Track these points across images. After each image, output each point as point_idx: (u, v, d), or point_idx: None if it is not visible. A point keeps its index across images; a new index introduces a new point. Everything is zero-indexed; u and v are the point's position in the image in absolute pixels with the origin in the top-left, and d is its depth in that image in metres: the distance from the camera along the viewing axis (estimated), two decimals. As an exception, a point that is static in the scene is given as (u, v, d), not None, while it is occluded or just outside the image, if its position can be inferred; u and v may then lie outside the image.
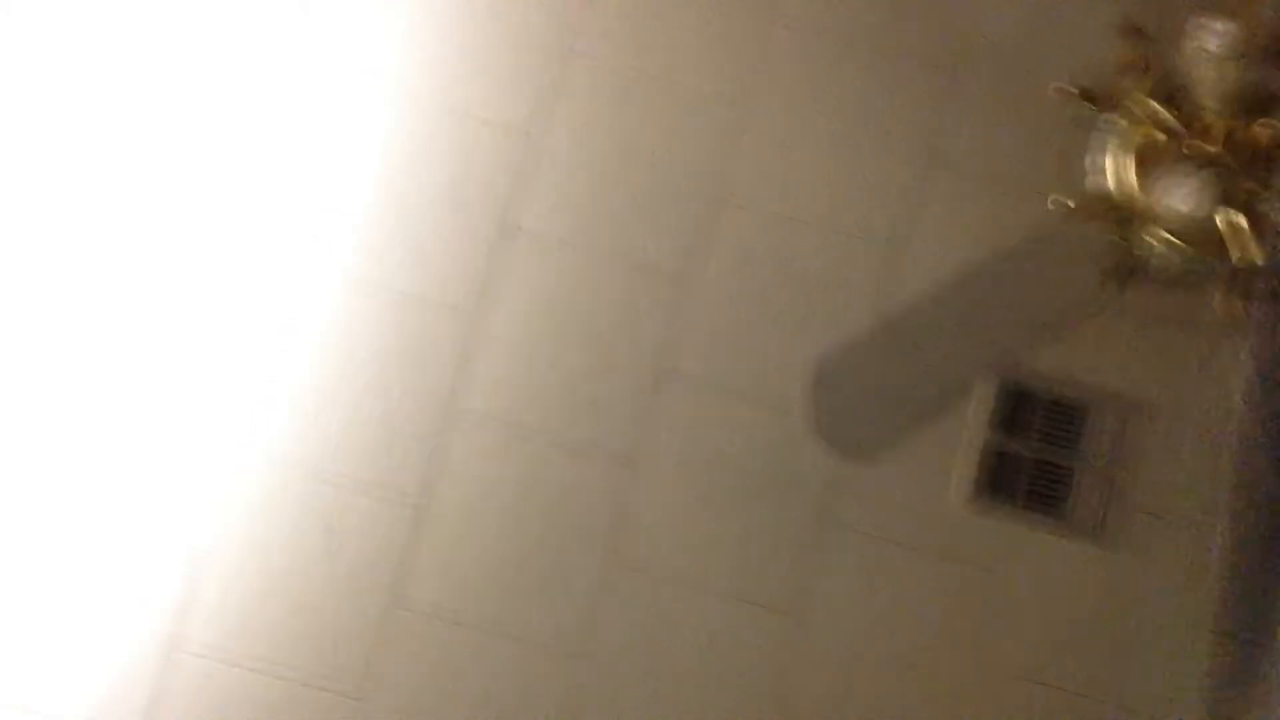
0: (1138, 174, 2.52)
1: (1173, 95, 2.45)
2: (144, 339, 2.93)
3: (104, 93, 2.97)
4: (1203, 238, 2.51)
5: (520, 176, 2.99)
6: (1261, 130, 2.36)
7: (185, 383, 2.92)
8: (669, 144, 3.00)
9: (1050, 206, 2.85)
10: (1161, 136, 2.50)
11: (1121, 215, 2.43)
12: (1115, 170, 2.57)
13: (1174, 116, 2.43)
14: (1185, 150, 2.43)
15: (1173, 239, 2.50)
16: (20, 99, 2.96)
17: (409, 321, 2.94)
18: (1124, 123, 2.56)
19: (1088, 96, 2.40)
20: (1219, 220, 2.33)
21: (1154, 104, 2.42)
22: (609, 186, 2.99)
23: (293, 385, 2.93)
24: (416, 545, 2.90)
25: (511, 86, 3.00)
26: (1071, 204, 2.84)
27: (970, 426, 2.97)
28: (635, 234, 2.98)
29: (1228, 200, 2.27)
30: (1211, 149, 2.38)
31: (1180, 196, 2.27)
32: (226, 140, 2.97)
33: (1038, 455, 2.97)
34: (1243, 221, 2.37)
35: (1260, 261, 2.36)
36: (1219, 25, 2.18)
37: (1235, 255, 2.37)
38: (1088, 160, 2.67)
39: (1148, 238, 2.43)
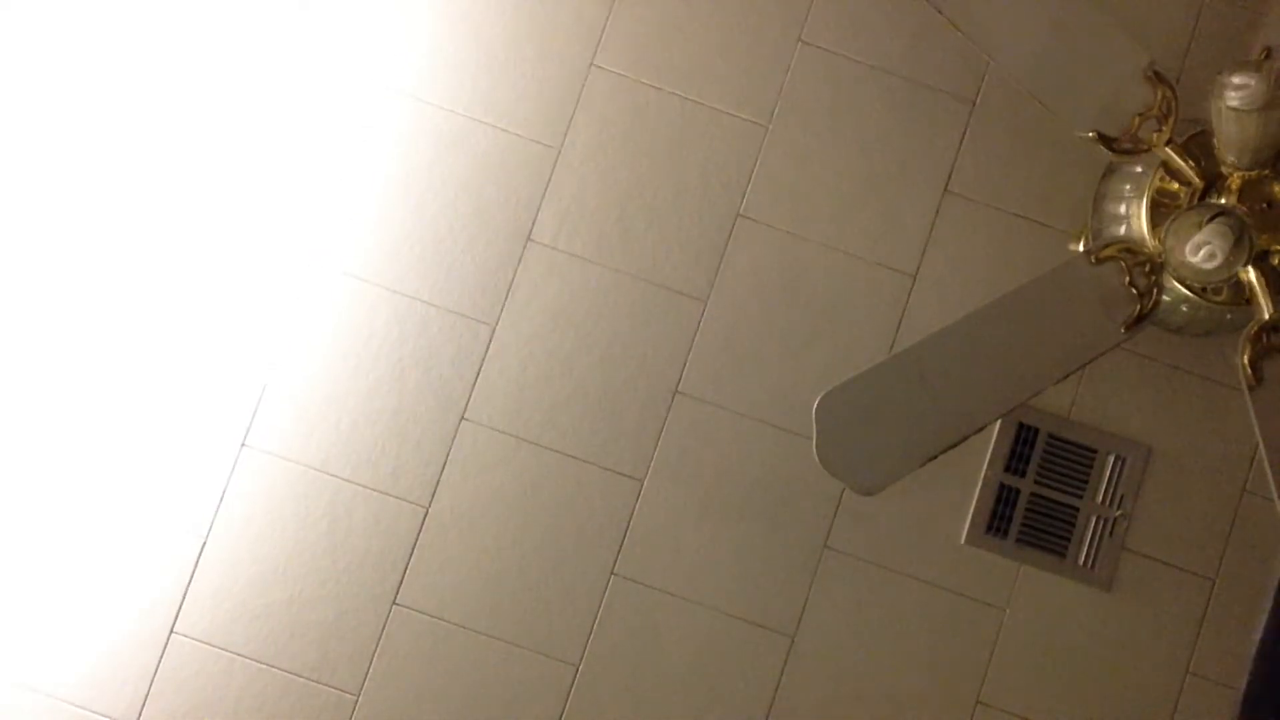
0: (1151, 221, 2.50)
1: (1191, 145, 2.43)
2: (157, 334, 2.95)
3: (136, 94, 3.00)
4: (1213, 289, 2.49)
5: (537, 187, 2.99)
6: (1278, 186, 2.33)
7: (193, 375, 2.95)
8: (687, 160, 3.00)
9: (1071, 248, 2.83)
10: (1177, 185, 2.48)
11: (1134, 260, 2.41)
12: (1129, 216, 2.55)
13: (1191, 167, 2.41)
14: (1200, 201, 2.41)
15: (1183, 288, 2.48)
16: (20, 98, 2.98)
17: (421, 325, 2.96)
18: (1140, 169, 2.54)
19: (1106, 141, 2.38)
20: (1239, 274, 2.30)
21: (1171, 153, 2.40)
22: (625, 200, 2.99)
23: (303, 381, 2.95)
24: (418, 545, 2.92)
25: (532, 97, 3.00)
26: (1084, 246, 2.83)
27: (976, 461, 2.96)
28: (650, 249, 2.98)
29: (1240, 254, 2.24)
30: (1227, 202, 2.36)
31: (1192, 247, 2.24)
32: (243, 138, 2.99)
33: (1042, 493, 2.96)
34: (1254, 276, 2.35)
35: (1269, 316, 2.34)
36: (1241, 79, 2.15)
37: (1266, 309, 2.35)
38: (1103, 204, 2.65)
39: (1159, 284, 2.41)
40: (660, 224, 2.99)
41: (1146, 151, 2.40)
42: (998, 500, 2.96)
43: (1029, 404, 2.90)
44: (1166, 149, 2.39)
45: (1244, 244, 2.24)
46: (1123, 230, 2.56)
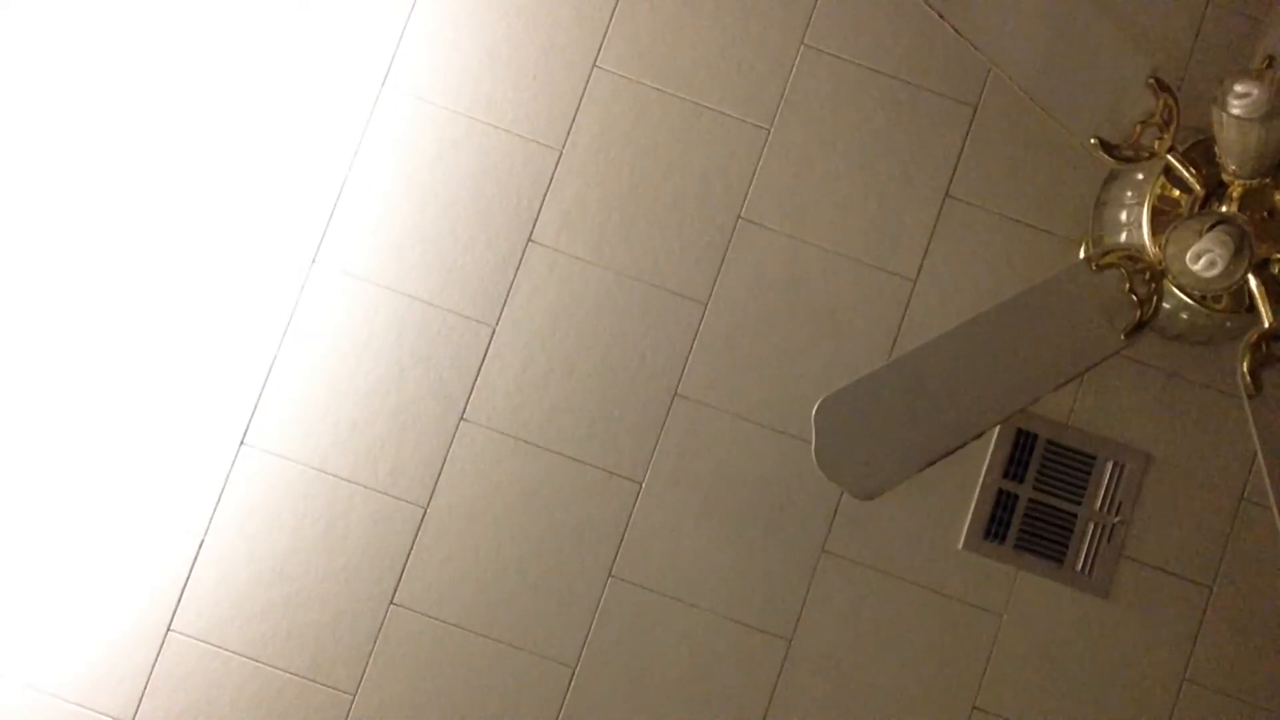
0: (1152, 228, 2.50)
1: (1193, 153, 2.43)
2: (157, 332, 2.95)
3: (137, 94, 3.00)
4: (1213, 297, 2.49)
5: (538, 188, 2.99)
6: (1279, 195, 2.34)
7: (193, 373, 2.95)
8: (688, 162, 3.00)
9: (1081, 255, 2.83)
10: (1178, 193, 2.48)
11: (1135, 268, 2.40)
12: (1130, 223, 2.55)
13: (1192, 174, 2.41)
14: (1201, 209, 2.41)
15: (1183, 295, 2.48)
16: (21, 97, 2.98)
17: (421, 325, 2.96)
18: (1142, 176, 2.54)
19: (1107, 147, 2.38)
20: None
21: (1173, 160, 2.40)
22: (626, 202, 2.99)
23: (302, 381, 2.95)
24: (416, 545, 2.92)
25: (534, 97, 3.00)
26: (1084, 252, 2.83)
27: (975, 467, 2.96)
28: (650, 251, 2.98)
29: (1241, 262, 2.24)
30: (1228, 210, 2.36)
31: (1192, 255, 2.24)
32: (243, 138, 3.00)
33: (1040, 499, 2.96)
34: (1255, 284, 2.35)
35: (1269, 324, 2.34)
36: (1244, 87, 2.15)
37: (1266, 318, 2.35)
38: (1104, 210, 2.65)
39: (1160, 292, 2.41)
40: (661, 226, 2.99)
41: (1148, 159, 2.39)
42: (996, 506, 2.95)
43: (1028, 410, 2.91)
44: (1168, 156, 2.39)
45: (1244, 252, 2.23)
46: (1123, 237, 2.56)
